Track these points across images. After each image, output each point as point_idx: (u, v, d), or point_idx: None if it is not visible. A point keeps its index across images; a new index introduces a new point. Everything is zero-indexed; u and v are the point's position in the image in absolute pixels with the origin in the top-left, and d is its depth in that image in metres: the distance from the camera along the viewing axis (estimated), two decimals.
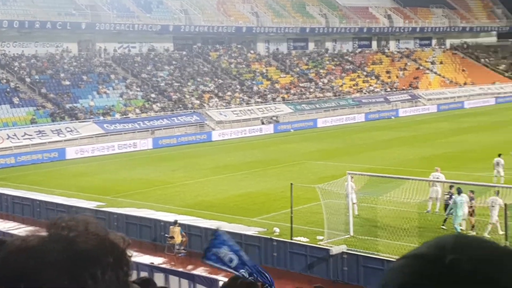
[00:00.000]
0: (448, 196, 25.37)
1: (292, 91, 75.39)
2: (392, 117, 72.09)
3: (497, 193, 23.69)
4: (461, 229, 23.47)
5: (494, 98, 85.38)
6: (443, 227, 24.59)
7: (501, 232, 22.65)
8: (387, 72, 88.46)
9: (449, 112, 75.76)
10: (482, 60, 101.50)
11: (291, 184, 24.62)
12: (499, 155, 32.08)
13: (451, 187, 25.59)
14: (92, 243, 1.41)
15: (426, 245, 1.25)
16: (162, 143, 55.58)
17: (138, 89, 66.88)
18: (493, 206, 22.89)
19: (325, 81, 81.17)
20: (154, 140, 56.01)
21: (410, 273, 1.20)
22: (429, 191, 27.26)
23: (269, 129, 63.49)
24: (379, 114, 72.88)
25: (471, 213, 23.95)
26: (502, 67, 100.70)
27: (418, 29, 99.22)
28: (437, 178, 27.59)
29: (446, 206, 25.37)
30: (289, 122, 66.05)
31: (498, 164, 31.58)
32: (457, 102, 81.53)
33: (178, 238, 24.03)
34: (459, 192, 24.11)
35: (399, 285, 1.21)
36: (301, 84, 78.50)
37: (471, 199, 23.91)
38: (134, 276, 16.84)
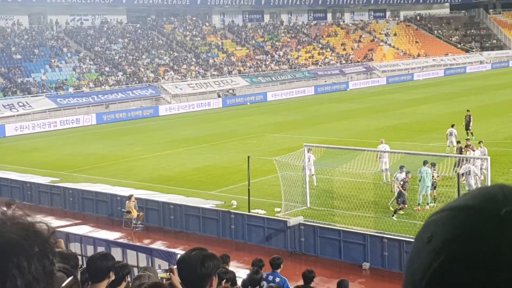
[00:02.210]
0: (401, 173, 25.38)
1: (248, 64, 75.17)
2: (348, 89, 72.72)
3: (433, 165, 23.95)
4: (431, 204, 23.64)
5: (443, 70, 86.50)
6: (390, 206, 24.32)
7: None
8: (342, 44, 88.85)
9: (400, 84, 76.59)
10: (435, 31, 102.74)
11: (248, 156, 24.64)
12: (452, 126, 32.64)
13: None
14: (17, 233, 1.35)
15: (472, 196, 1.15)
16: (117, 117, 54.94)
17: (92, 62, 65.76)
18: (468, 174, 23.17)
19: (281, 53, 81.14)
20: (108, 114, 55.31)
21: (460, 225, 1.10)
22: (379, 163, 27.38)
23: (225, 102, 63.33)
24: (331, 86, 73.11)
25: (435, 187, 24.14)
26: (454, 38, 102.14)
27: (372, 1, 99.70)
28: (383, 149, 27.75)
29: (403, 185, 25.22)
30: (246, 95, 65.96)
31: (451, 134, 32.13)
32: (407, 74, 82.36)
33: (134, 213, 23.89)
34: (425, 163, 24.39)
35: (450, 238, 1.10)
36: (257, 57, 78.31)
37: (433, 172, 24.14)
38: (92, 251, 16.58)
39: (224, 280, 9.64)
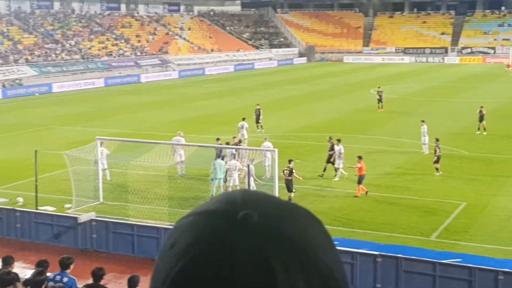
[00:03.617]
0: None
1: (36, 53, 71.47)
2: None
3: (234, 156, 24.90)
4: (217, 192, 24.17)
5: (233, 65, 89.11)
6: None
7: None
8: (137, 36, 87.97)
9: (192, 78, 77.66)
10: (228, 28, 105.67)
11: (36, 151, 23.36)
12: (243, 119, 33.71)
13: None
14: None
15: (214, 201, 1.18)
16: None
17: None
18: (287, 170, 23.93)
19: (73, 43, 78.27)
20: None
21: (200, 230, 1.13)
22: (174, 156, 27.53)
23: (5, 93, 59.14)
24: (121, 79, 71.76)
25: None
26: (245, 35, 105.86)
27: None
28: (178, 141, 27.91)
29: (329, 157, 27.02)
30: (34, 85, 62.59)
31: (242, 127, 33.18)
32: (198, 69, 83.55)
33: None
34: (221, 157, 24.83)
35: (191, 242, 1.11)
36: (46, 46, 74.73)
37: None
38: None
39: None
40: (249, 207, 1.14)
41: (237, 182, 24.13)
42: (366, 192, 24.30)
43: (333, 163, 27.07)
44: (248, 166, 23.25)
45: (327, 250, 1.15)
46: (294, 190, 23.58)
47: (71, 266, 12.32)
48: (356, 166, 24.44)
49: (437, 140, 27.77)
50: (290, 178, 23.45)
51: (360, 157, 24.80)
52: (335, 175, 26.95)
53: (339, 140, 27.34)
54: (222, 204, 1.16)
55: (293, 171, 23.64)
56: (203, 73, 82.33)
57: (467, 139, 34.73)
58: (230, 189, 23.89)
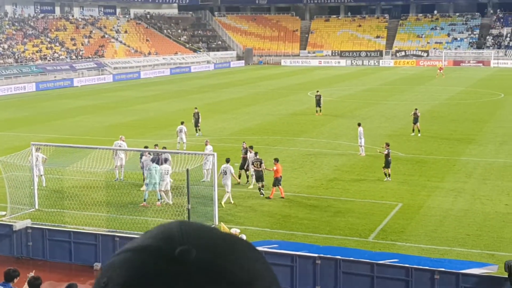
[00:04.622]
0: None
1: None
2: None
3: (166, 160, 24.86)
4: (161, 201, 23.85)
5: (169, 69, 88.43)
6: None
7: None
8: (72, 39, 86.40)
9: (127, 81, 76.76)
10: (165, 31, 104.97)
11: None
12: (182, 123, 33.56)
13: (159, 154, 25.63)
14: None
15: (150, 235, 1.10)
16: None
17: None
18: (225, 174, 23.81)
19: (6, 46, 76.25)
20: None
21: (135, 268, 1.04)
22: (114, 160, 27.30)
23: None
24: (54, 83, 70.05)
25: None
26: (183, 38, 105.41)
27: None
28: (120, 146, 27.65)
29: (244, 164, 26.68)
30: None
31: (181, 131, 33.04)
32: (134, 72, 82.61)
33: None
34: (158, 161, 24.59)
35: (125, 282, 1.03)
36: None
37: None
38: None
39: None
40: (187, 242, 1.07)
41: (168, 187, 23.95)
42: (282, 197, 24.45)
43: (246, 170, 26.58)
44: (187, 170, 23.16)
45: (271, 283, 1.10)
46: (264, 180, 24.79)
47: (15, 280, 12.04)
48: (272, 169, 24.67)
49: (387, 144, 27.43)
50: (260, 169, 24.75)
51: (276, 160, 25.03)
52: (247, 181, 26.43)
53: (251, 147, 26.92)
54: (158, 239, 1.08)
55: (262, 161, 24.98)
56: (139, 77, 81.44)
57: (402, 141, 35.53)
58: (161, 193, 23.73)
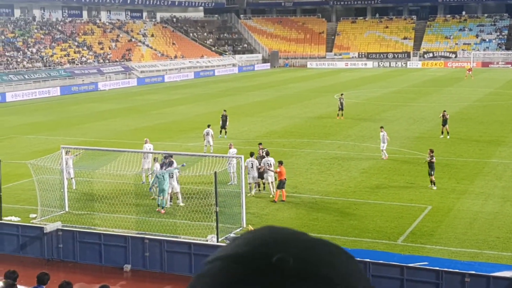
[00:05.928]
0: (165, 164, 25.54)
1: None
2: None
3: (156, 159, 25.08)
4: (170, 204, 23.93)
5: (193, 72, 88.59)
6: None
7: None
8: (100, 43, 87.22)
9: (154, 85, 77.05)
10: (191, 34, 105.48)
11: None
12: (208, 126, 33.67)
13: (166, 157, 25.89)
14: None
15: (242, 243, 1.07)
16: None
17: None
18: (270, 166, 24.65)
19: (34, 50, 77.26)
20: None
21: (230, 277, 1.02)
22: (141, 162, 27.44)
23: None
24: (80, 87, 70.68)
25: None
26: (209, 41, 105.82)
27: (128, 1, 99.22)
28: (149, 149, 27.87)
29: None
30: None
31: (208, 134, 33.13)
32: (159, 76, 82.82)
33: None
34: (168, 164, 24.63)
35: None
36: (7, 53, 73.62)
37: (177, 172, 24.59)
38: None
39: None
40: (281, 250, 1.04)
41: (177, 190, 23.99)
42: (283, 200, 24.36)
43: (262, 177, 25.69)
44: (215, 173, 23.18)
45: (365, 285, 1.09)
46: (264, 178, 25.23)
47: (47, 282, 12.25)
48: (276, 171, 24.58)
49: (431, 151, 26.43)
50: (268, 169, 25.06)
51: (280, 162, 24.89)
52: (257, 189, 26.02)
53: (267, 153, 26.28)
54: (252, 247, 1.05)
55: (272, 164, 25.17)
56: (163, 80, 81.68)
57: (430, 143, 35.20)
58: (169, 197, 23.71)
